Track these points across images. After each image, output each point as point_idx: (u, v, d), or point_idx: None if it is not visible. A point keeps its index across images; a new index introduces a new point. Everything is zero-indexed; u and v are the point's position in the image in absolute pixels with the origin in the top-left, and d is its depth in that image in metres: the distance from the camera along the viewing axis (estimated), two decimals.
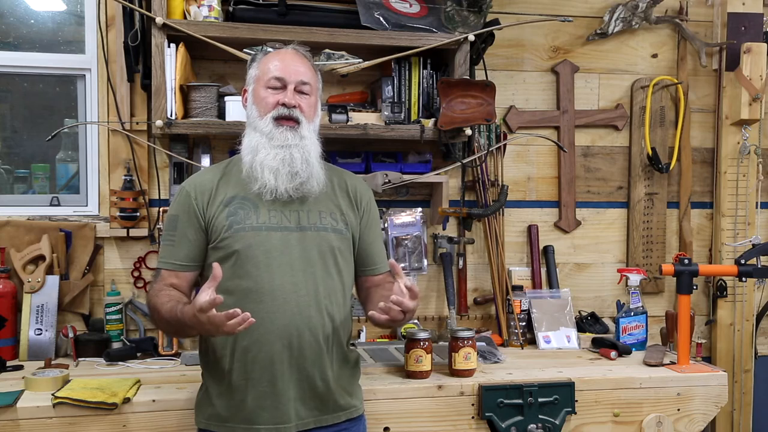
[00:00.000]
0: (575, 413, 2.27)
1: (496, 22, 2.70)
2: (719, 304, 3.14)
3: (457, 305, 2.90)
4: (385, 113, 2.64)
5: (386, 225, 2.79)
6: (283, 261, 1.79)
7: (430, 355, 2.26)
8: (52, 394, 1.98)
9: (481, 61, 2.75)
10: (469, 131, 2.66)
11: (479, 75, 2.78)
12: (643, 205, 3.11)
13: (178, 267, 1.84)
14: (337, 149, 2.72)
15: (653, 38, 3.13)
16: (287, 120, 1.83)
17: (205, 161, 2.63)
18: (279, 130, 1.82)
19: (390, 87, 2.66)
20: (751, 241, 2.68)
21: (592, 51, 3.09)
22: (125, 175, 2.65)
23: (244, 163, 1.84)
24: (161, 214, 2.61)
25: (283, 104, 1.83)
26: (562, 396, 2.26)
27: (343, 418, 1.87)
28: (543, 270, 3.02)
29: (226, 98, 2.51)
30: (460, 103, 2.60)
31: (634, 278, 2.73)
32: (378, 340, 2.83)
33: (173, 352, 2.53)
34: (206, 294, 1.58)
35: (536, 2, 3.00)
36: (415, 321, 2.84)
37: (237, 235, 1.80)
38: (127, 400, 2.00)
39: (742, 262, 2.50)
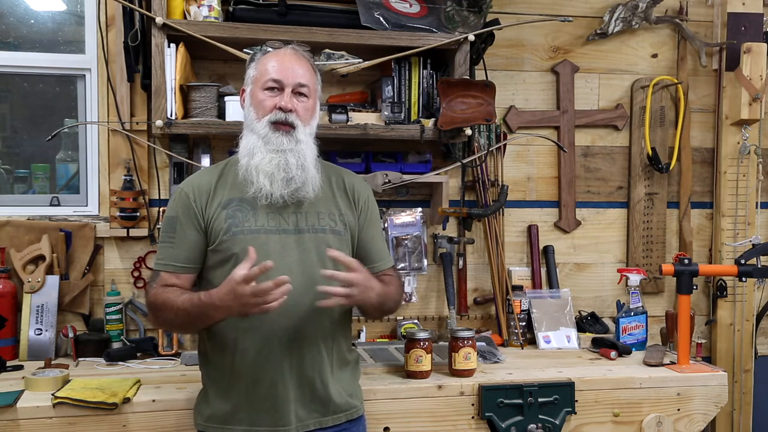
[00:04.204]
0: (575, 413, 2.27)
1: (496, 22, 2.70)
2: (719, 304, 3.14)
3: (457, 305, 2.90)
4: (385, 113, 2.63)
5: (386, 225, 2.79)
6: (282, 264, 1.78)
7: (430, 355, 2.26)
8: (52, 394, 1.98)
9: (481, 61, 2.75)
10: (469, 131, 2.66)
11: (479, 75, 2.78)
12: (643, 205, 3.11)
13: (178, 269, 1.83)
14: (337, 149, 2.72)
15: (653, 38, 3.13)
16: (283, 125, 1.82)
17: (205, 161, 2.63)
18: (275, 135, 1.81)
19: (390, 87, 2.66)
20: (751, 241, 2.68)
21: (592, 51, 3.08)
22: (125, 175, 2.65)
23: (241, 165, 1.83)
24: (161, 214, 2.60)
25: (280, 108, 1.81)
26: (562, 396, 2.26)
27: (343, 419, 1.87)
28: (543, 270, 3.02)
29: (226, 98, 2.51)
30: (460, 103, 2.60)
31: (634, 278, 2.73)
32: (378, 340, 2.83)
33: (173, 352, 2.54)
34: (244, 268, 1.60)
35: (536, 2, 2.99)
36: (415, 321, 2.84)
37: (235, 238, 1.79)
38: (127, 400, 2.00)
39: (742, 262, 2.50)
